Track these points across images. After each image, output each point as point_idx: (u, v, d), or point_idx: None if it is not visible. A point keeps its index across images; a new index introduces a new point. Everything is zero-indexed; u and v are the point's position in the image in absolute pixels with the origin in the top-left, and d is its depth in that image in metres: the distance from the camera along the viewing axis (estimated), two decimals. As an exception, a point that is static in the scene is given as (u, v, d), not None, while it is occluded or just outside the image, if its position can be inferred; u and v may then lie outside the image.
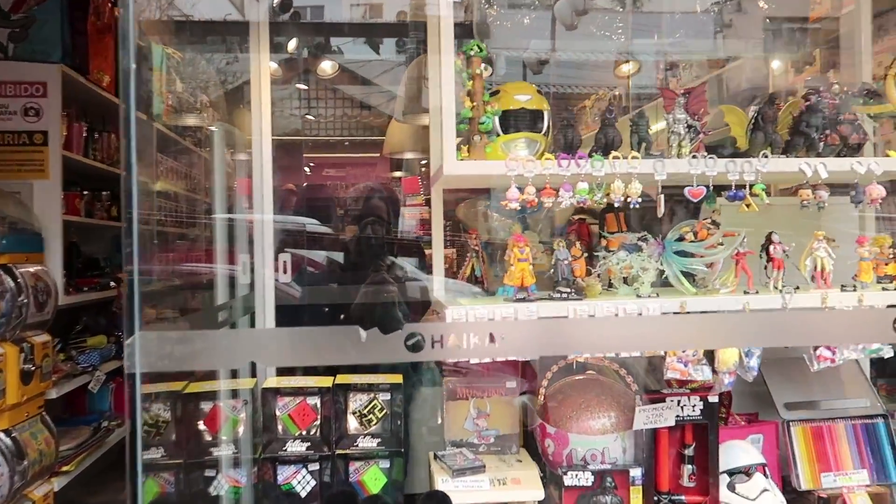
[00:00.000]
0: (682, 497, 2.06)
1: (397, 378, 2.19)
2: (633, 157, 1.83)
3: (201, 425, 2.12)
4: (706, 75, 4.67)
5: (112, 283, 4.34)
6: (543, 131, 1.99)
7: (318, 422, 2.18)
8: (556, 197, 1.81)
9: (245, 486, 2.07)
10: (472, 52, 1.91)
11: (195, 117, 3.61)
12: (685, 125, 1.91)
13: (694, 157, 1.85)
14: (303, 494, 2.07)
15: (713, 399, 2.01)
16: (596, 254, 2.16)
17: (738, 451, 2.09)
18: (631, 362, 2.15)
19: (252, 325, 2.24)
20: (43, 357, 3.12)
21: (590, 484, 1.98)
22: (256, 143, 2.44)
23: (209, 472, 2.06)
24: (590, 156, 1.84)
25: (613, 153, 1.84)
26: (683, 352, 1.88)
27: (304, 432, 2.17)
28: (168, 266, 3.66)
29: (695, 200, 1.87)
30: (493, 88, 2.02)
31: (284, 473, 2.09)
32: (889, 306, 1.91)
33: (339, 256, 3.66)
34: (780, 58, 4.18)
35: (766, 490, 2.01)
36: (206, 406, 2.13)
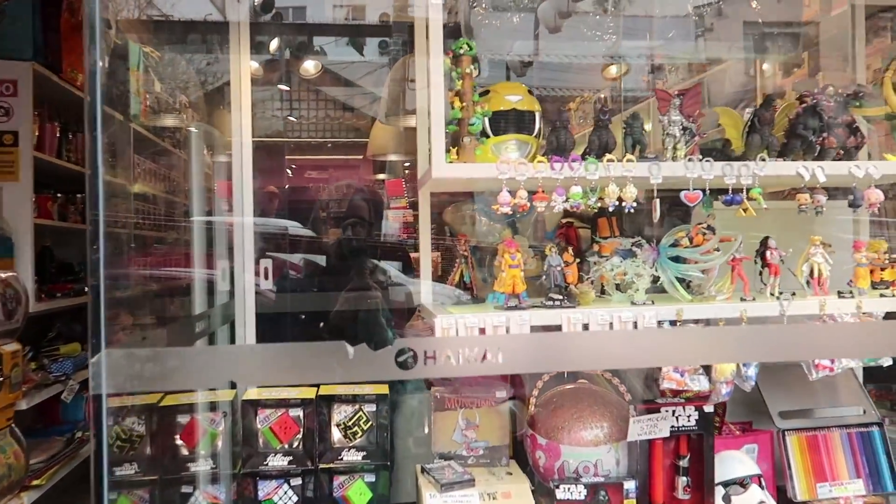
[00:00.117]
0: (677, 509, 2.01)
1: (383, 388, 2.11)
2: (629, 160, 1.77)
3: (177, 439, 2.03)
4: (690, 78, 4.67)
5: (87, 289, 4.20)
6: (535, 133, 1.93)
7: (300, 435, 2.09)
8: (549, 201, 1.75)
9: (224, 502, 1.98)
10: (461, 51, 1.84)
11: (174, 118, 3.51)
12: (680, 127, 1.86)
13: (690, 160, 1.80)
14: (284, 511, 1.98)
15: (708, 409, 1.95)
16: (588, 259, 2.11)
17: (733, 461, 2.03)
18: (624, 371, 2.10)
19: (232, 334, 2.14)
20: (12, 367, 2.99)
21: (583, 497, 1.91)
22: (237, 144, 2.36)
23: (186, 489, 1.97)
24: (583, 158, 1.78)
25: (608, 156, 1.78)
26: (680, 361, 1.83)
27: (285, 446, 2.09)
28: (144, 271, 3.55)
29: (691, 205, 1.81)
30: (483, 88, 1.95)
31: (265, 489, 2.00)
32: (888, 313, 1.87)
33: (319, 260, 3.57)
34: (765, 61, 4.17)
35: (762, 502, 1.96)
36: (182, 419, 2.04)
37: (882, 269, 2.03)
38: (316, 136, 7.83)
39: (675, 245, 1.95)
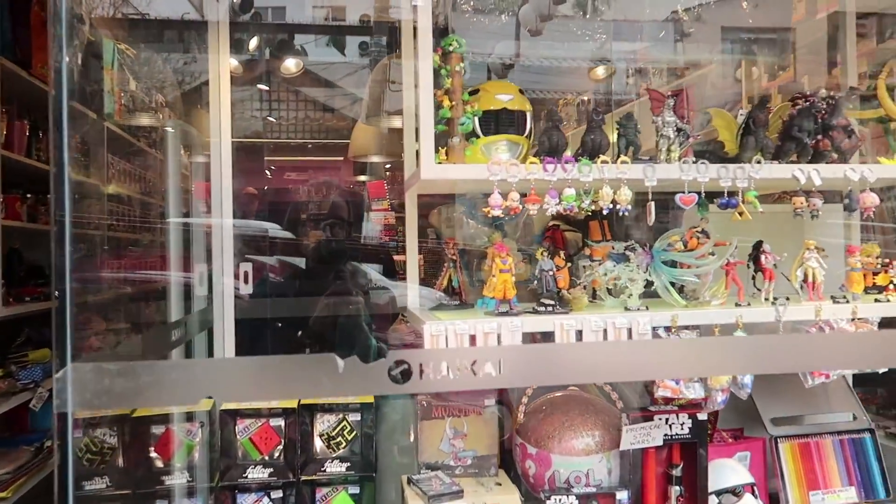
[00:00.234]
0: (670, 520, 1.96)
1: (368, 397, 2.03)
2: (623, 162, 1.72)
3: (152, 451, 1.94)
4: (670, 83, 4.68)
5: (53, 295, 4.06)
6: (526, 133, 1.88)
7: (281, 445, 2.01)
8: (542, 204, 1.69)
9: (201, 517, 1.89)
10: (450, 48, 1.78)
11: (149, 117, 3.41)
12: (674, 128, 1.82)
13: (685, 162, 1.75)
14: (265, 525, 1.90)
15: (702, 417, 1.91)
16: (579, 263, 2.06)
17: (726, 470, 1.99)
18: (615, 378, 2.05)
19: (210, 341, 2.05)
20: (-23, 374, 2.87)
21: (574, 508, 1.86)
22: (215, 144, 2.27)
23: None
24: (576, 160, 1.73)
25: (602, 157, 1.73)
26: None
27: (266, 457, 2.00)
28: (118, 274, 3.44)
29: (686, 208, 1.77)
30: (473, 87, 1.89)
31: (245, 502, 1.92)
32: (882, 319, 1.84)
33: (297, 263, 3.47)
34: (746, 64, 4.19)
35: (756, 511, 1.92)
36: (157, 430, 1.95)
37: (875, 274, 2.01)
38: (295, 137, 7.73)
39: (668, 249, 1.90)
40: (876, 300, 1.91)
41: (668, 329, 1.75)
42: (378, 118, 3.58)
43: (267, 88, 7.00)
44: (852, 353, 1.18)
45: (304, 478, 1.95)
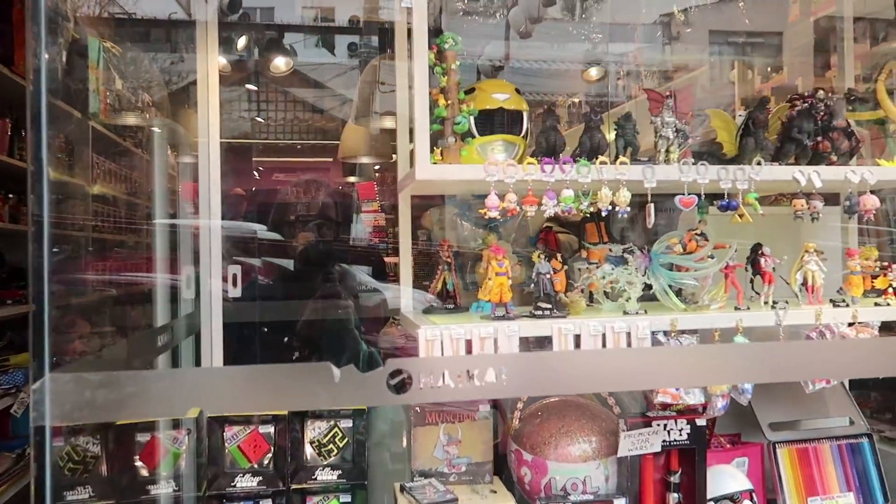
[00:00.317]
0: (668, 527, 1.93)
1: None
2: (622, 163, 1.69)
3: (136, 460, 1.88)
4: (659, 86, 4.68)
5: (30, 300, 3.97)
6: (522, 134, 1.84)
7: (271, 453, 1.96)
8: (540, 205, 1.66)
9: (187, 528, 1.83)
10: (446, 46, 1.74)
11: (136, 116, 3.35)
12: (674, 129, 1.78)
13: (685, 163, 1.72)
14: (254, 535, 1.85)
15: (701, 422, 1.88)
16: (575, 265, 2.02)
17: (725, 476, 1.96)
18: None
19: (197, 347, 2.00)
20: (-44, 379, 2.79)
21: (571, 517, 1.82)
22: (203, 144, 2.22)
23: (145, 514, 1.82)
24: (574, 161, 1.69)
25: (601, 158, 1.69)
26: (674, 373, 1.74)
27: (255, 465, 1.95)
28: (102, 276, 3.37)
29: (686, 210, 1.74)
30: (468, 86, 1.85)
31: (233, 512, 1.86)
32: (883, 323, 1.82)
33: (287, 265, 3.41)
34: (735, 67, 4.20)
35: (754, 518, 1.89)
36: (142, 438, 1.88)
37: (873, 278, 1.98)
38: (284, 138, 7.66)
39: (666, 252, 1.87)
40: (876, 304, 1.88)
41: (667, 333, 1.72)
42: (368, 119, 3.54)
43: (255, 88, 6.93)
44: (861, 360, 1.15)
45: (294, 486, 1.90)
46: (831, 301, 1.90)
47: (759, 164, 1.75)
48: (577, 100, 4.92)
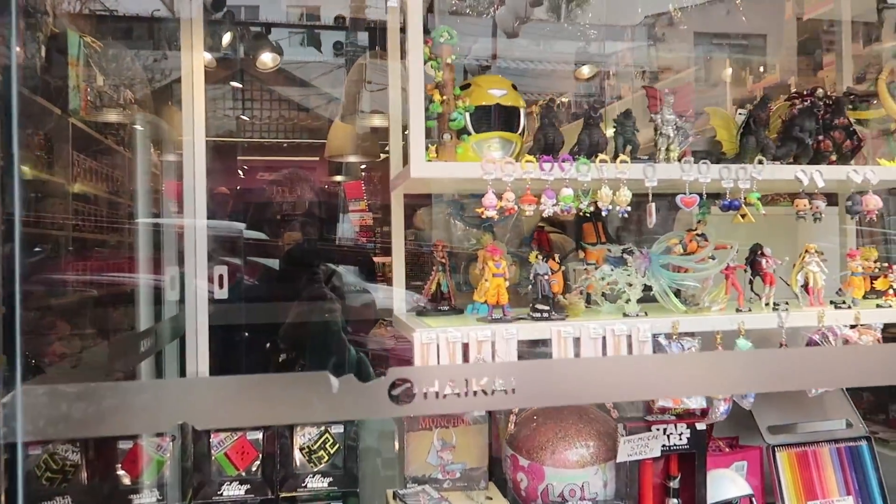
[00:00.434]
0: (667, 534, 1.89)
1: (352, 408, 1.92)
2: (622, 161, 1.65)
3: (118, 468, 1.80)
4: (653, 84, 4.67)
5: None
6: (519, 131, 1.79)
7: (259, 460, 1.89)
8: (539, 204, 1.61)
9: (172, 539, 1.77)
10: (441, 40, 1.68)
11: (117, 113, 3.27)
12: (674, 126, 1.74)
13: (686, 161, 1.68)
14: (241, 546, 1.78)
15: (701, 427, 1.84)
16: (573, 266, 1.98)
17: (725, 481, 1.92)
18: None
19: (182, 351, 1.92)
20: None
21: (569, 524, 1.78)
22: (188, 143, 2.14)
23: (128, 525, 1.75)
24: (574, 159, 1.65)
25: (601, 156, 1.65)
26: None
27: (242, 473, 1.88)
28: (83, 276, 3.28)
29: (687, 209, 1.70)
30: (464, 82, 1.80)
31: (219, 522, 1.80)
32: (886, 325, 1.79)
33: (272, 265, 3.34)
34: (732, 66, 4.19)
35: (755, 524, 1.86)
36: (124, 445, 1.82)
37: (874, 279, 1.96)
38: (269, 137, 7.57)
39: (665, 253, 1.83)
40: (878, 306, 1.86)
41: (668, 336, 1.68)
42: (354, 116, 3.48)
43: (240, 86, 6.84)
44: (873, 368, 1.11)
45: (283, 494, 1.85)
46: (832, 303, 1.87)
47: (760, 163, 1.72)
48: (565, 99, 4.90)
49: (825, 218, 2.25)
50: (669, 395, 1.60)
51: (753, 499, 1.94)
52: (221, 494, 1.82)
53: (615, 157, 1.69)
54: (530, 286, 1.71)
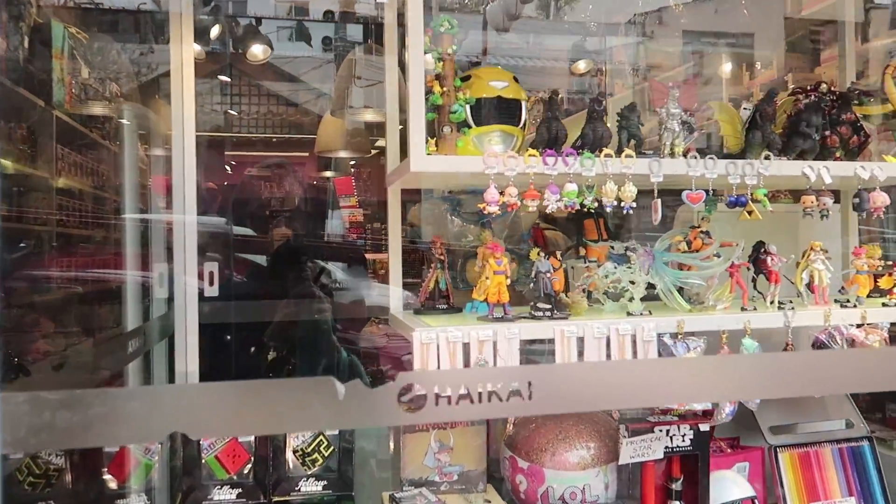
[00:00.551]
0: (669, 537, 1.85)
1: (347, 409, 1.87)
2: (627, 156, 1.60)
3: (104, 472, 1.74)
4: (634, 86, 4.66)
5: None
6: (521, 124, 1.74)
7: (250, 463, 1.84)
8: (542, 199, 1.56)
9: (160, 545, 1.71)
10: (441, 29, 1.63)
11: (103, 107, 3.19)
12: (679, 121, 1.70)
13: (693, 157, 1.64)
14: (233, 553, 1.73)
15: (704, 428, 1.80)
16: (571, 263, 1.93)
17: (728, 483, 1.89)
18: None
19: (171, 351, 1.86)
20: None
21: (570, 528, 1.73)
22: (177, 137, 2.08)
23: (115, 531, 1.69)
24: (577, 153, 1.60)
25: (605, 150, 1.60)
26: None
27: (234, 476, 1.83)
28: (67, 273, 3.19)
29: (693, 206, 1.66)
30: (464, 73, 1.75)
31: (210, 527, 1.74)
32: (893, 324, 1.77)
33: (256, 263, 3.27)
34: (727, 60, 4.17)
35: (758, 526, 1.82)
36: (110, 448, 1.75)
37: (878, 277, 1.93)
38: (257, 132, 7.48)
39: (668, 250, 1.79)
40: (883, 304, 1.83)
41: (673, 336, 1.64)
42: (344, 112, 3.42)
43: (228, 80, 6.76)
44: (886, 372, 1.07)
45: (275, 499, 1.79)
46: (836, 301, 1.84)
47: (767, 158, 1.68)
48: (560, 96, 4.88)
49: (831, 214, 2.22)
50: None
51: (756, 501, 1.91)
52: (212, 499, 1.77)
53: (618, 151, 1.65)
54: (531, 284, 1.67)
